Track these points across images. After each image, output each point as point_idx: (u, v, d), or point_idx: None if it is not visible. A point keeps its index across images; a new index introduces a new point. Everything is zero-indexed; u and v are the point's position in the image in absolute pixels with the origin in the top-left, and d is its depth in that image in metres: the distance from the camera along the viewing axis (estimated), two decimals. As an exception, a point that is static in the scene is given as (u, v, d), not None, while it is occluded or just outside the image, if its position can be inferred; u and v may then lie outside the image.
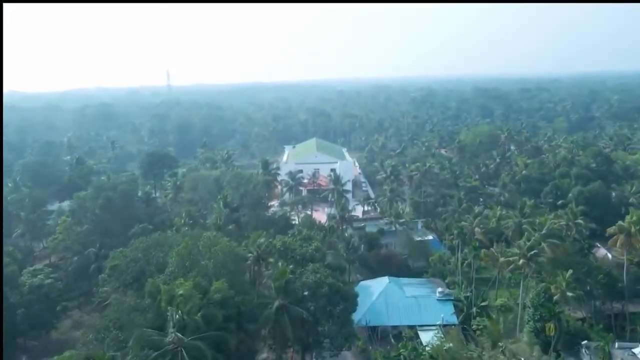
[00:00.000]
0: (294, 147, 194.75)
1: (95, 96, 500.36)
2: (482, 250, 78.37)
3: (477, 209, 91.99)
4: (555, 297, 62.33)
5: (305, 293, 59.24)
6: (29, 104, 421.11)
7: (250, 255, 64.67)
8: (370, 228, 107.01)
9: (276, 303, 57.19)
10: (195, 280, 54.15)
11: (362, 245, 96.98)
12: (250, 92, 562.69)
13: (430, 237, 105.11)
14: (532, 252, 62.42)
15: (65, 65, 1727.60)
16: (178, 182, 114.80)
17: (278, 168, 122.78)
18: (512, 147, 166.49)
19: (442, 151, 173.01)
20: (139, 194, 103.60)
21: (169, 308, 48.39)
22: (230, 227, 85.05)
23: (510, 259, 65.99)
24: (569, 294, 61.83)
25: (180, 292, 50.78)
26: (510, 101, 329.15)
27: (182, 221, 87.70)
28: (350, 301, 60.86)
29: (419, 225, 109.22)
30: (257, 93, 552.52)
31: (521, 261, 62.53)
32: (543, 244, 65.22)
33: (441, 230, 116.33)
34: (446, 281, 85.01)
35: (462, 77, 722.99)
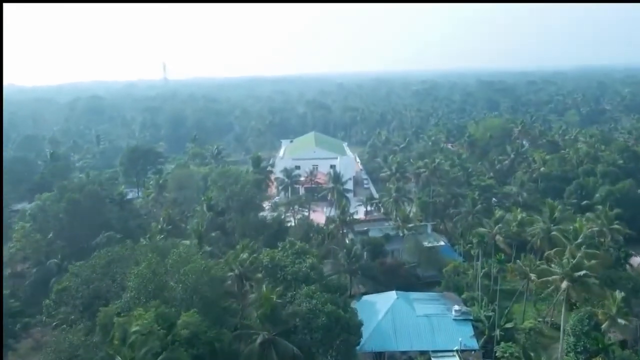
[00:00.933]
0: (291, 141, 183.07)
1: (90, 89, 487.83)
2: (509, 265, 66.85)
3: (498, 213, 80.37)
4: (603, 326, 50.93)
5: (298, 320, 47.95)
6: (21, 97, 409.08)
7: (231, 274, 53.27)
8: (374, 232, 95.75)
9: (260, 336, 45.93)
10: (158, 310, 42.88)
11: (365, 253, 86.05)
12: (248, 86, 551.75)
13: (442, 243, 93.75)
14: (581, 273, 50.45)
15: (64, 59, 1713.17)
16: (161, 181, 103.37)
17: (271, 165, 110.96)
18: (524, 142, 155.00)
19: (449, 146, 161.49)
20: (115, 194, 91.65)
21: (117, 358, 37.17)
22: (213, 234, 73.93)
23: (550, 279, 54.31)
24: (621, 321, 50.38)
25: (136, 328, 39.55)
26: (517, 94, 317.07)
27: (160, 227, 76.42)
28: (354, 332, 49.58)
29: (429, 229, 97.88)
30: (255, 86, 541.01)
31: (565, 283, 50.89)
32: (587, 262, 53.20)
33: (451, 234, 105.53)
34: (462, 296, 73.72)
35: (463, 71, 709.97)
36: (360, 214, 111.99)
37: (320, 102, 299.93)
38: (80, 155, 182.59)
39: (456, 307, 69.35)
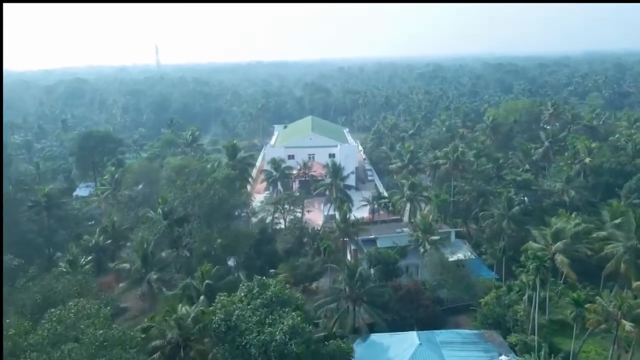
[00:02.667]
0: (285, 127, 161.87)
1: (80, 74, 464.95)
2: (589, 305, 46.19)
3: (556, 223, 59.50)
4: None
5: None
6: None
7: (159, 342, 32.65)
8: (384, 242, 75.34)
9: None
10: None
11: (373, 270, 65.73)
12: (245, 70, 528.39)
13: (472, 256, 73.32)
14: None
15: (59, 44, 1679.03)
16: (117, 175, 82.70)
17: (252, 156, 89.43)
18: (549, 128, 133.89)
19: (464, 132, 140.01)
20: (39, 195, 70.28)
21: None
22: (164, 253, 53.31)
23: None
24: None
25: None
26: (530, 76, 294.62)
27: (93, 242, 55.80)
28: None
29: (452, 236, 77.26)
30: (252, 70, 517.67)
31: None
32: None
33: (477, 239, 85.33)
34: (509, 339, 53.47)
35: (465, 57, 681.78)
36: (364, 214, 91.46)
37: (319, 84, 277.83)
38: (50, 143, 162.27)
39: (503, 358, 49.25)
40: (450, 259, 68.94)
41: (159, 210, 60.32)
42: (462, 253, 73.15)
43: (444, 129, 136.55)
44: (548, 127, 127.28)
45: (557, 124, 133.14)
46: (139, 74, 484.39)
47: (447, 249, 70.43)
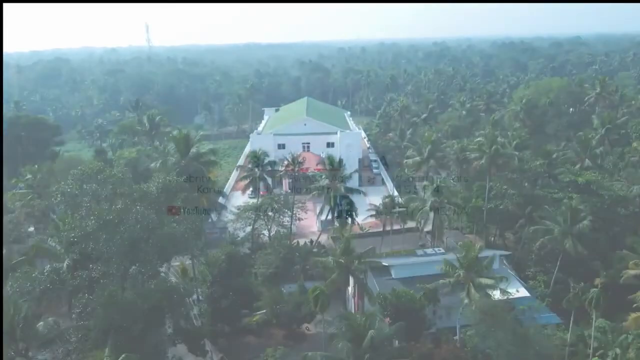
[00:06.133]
0: (276, 110, 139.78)
1: (69, 55, 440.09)
2: None
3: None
4: None
5: None
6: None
7: None
8: (400, 271, 54.11)
9: None
10: None
11: (388, 320, 44.60)
12: (242, 52, 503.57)
13: (525, 293, 52.14)
14: None
15: (54, 25, 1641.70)
16: (39, 176, 61.28)
17: (213, 152, 66.19)
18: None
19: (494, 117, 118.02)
20: None
21: None
22: (41, 324, 31.88)
23: None
24: None
25: None
26: (546, 55, 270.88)
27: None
28: None
29: (496, 262, 55.54)
30: (249, 52, 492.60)
31: None
32: None
33: (516, 257, 64.64)
34: None
35: (469, 38, 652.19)
36: (367, 222, 70.23)
37: (318, 63, 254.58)
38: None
39: None
40: (496, 296, 47.46)
41: (63, 243, 38.59)
42: (509, 286, 51.78)
43: (464, 112, 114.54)
44: (600, 109, 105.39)
45: (597, 107, 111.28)
46: (128, 55, 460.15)
47: (491, 278, 48.70)
